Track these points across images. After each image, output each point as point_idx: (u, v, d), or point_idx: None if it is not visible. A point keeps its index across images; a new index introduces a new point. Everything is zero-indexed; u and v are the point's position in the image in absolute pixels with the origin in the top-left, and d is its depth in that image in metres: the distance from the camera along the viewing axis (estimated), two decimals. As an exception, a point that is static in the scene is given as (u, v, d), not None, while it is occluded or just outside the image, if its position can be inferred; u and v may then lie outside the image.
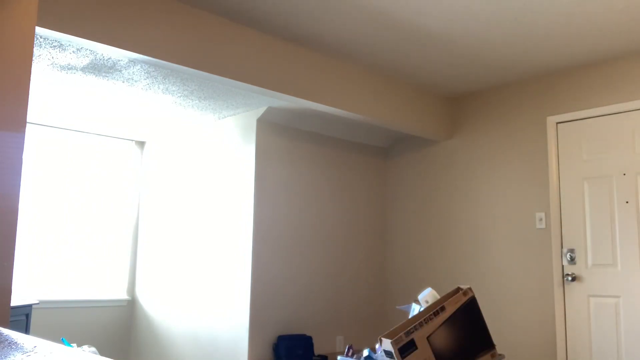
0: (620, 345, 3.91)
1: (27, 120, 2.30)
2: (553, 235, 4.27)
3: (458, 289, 3.56)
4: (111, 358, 5.45)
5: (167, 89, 4.13)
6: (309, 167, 5.01)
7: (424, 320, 3.26)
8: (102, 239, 5.44)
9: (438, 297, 3.63)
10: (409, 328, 3.19)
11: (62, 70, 3.75)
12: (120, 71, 3.76)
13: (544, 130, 4.43)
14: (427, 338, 3.24)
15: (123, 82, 3.97)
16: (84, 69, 3.74)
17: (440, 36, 3.79)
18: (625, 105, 4.04)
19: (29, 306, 3.81)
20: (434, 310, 3.34)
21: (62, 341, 4.07)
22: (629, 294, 3.91)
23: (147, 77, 3.87)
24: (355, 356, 4.20)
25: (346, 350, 4.38)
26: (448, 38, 3.82)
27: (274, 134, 4.81)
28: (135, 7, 3.21)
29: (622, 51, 4.01)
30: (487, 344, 3.46)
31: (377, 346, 3.63)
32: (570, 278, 4.15)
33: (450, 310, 3.36)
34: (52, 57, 3.51)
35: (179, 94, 4.25)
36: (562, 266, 4.21)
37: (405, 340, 3.14)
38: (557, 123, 4.38)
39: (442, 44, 3.91)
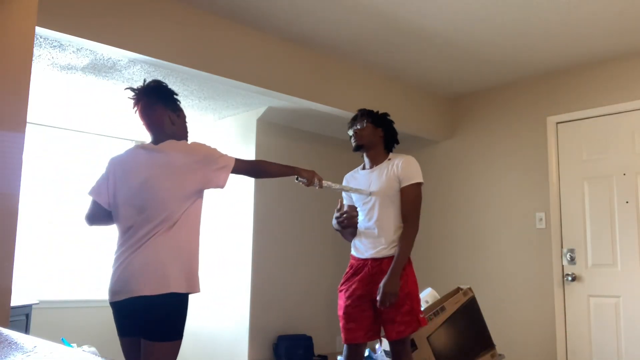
0: (620, 345, 3.91)
1: (27, 120, 2.29)
2: (553, 235, 4.27)
3: (458, 289, 3.56)
4: (111, 358, 5.44)
5: (167, 89, 4.13)
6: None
7: (424, 320, 3.26)
8: (103, 238, 5.44)
9: (438, 297, 3.63)
10: (409, 328, 3.17)
11: (62, 70, 3.75)
12: (120, 71, 3.76)
13: (544, 130, 4.42)
14: (427, 338, 3.23)
15: (123, 82, 3.97)
16: (84, 69, 3.74)
17: (440, 36, 3.79)
18: (625, 105, 4.04)
19: (29, 306, 3.81)
20: (434, 310, 3.34)
21: (62, 341, 4.06)
22: (629, 294, 3.91)
23: (147, 77, 3.87)
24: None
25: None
26: (448, 38, 3.81)
27: (274, 134, 4.81)
28: (135, 7, 3.21)
29: (622, 51, 4.01)
30: (487, 343, 3.46)
31: (377, 346, 3.62)
32: (570, 278, 4.15)
33: (450, 310, 3.36)
34: (52, 57, 3.51)
35: (179, 94, 4.25)
36: (562, 266, 4.21)
37: (405, 340, 3.13)
38: (557, 123, 4.37)
39: (442, 44, 3.91)
